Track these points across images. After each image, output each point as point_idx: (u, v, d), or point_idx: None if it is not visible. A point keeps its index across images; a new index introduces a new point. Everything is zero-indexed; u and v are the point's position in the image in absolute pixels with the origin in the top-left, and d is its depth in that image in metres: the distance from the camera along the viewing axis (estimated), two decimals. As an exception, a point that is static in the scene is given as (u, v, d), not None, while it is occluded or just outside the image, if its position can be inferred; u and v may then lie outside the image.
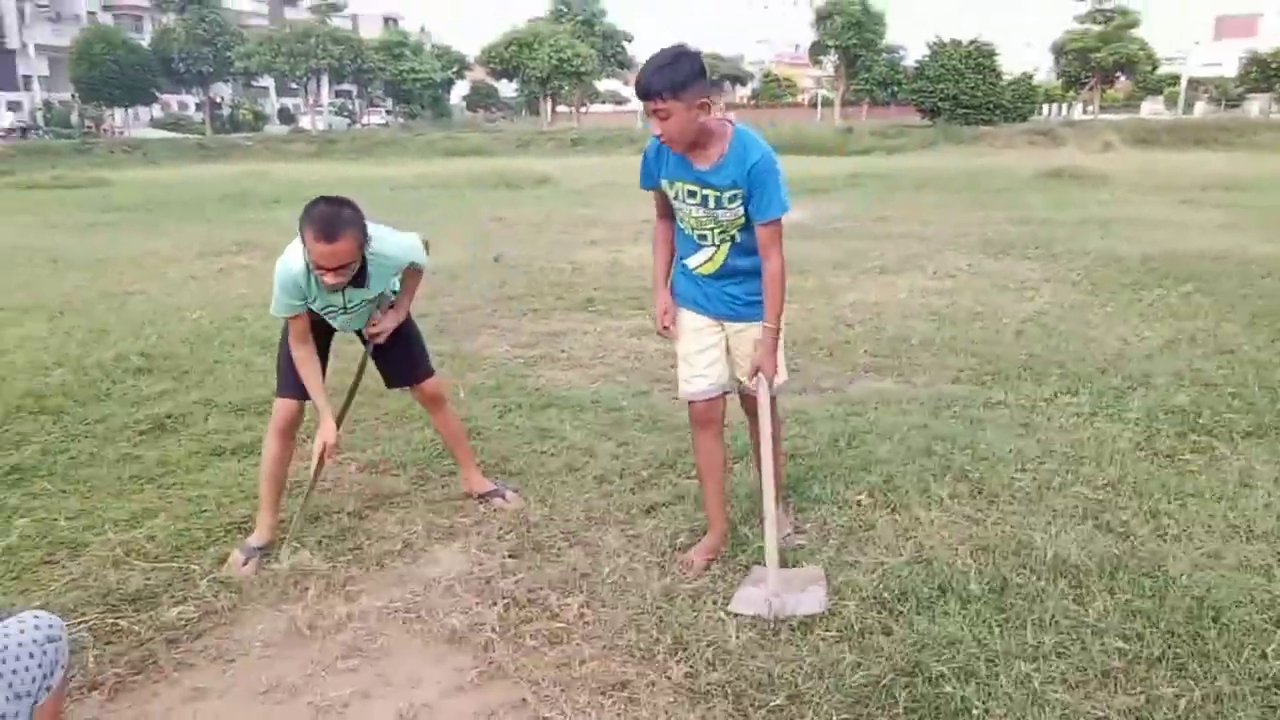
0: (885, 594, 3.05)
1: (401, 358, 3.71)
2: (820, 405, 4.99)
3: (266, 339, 6.49)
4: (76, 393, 5.37)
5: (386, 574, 3.34)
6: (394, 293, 3.63)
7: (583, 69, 48.11)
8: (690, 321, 3.27)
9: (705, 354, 3.25)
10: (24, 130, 40.15)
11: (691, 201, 3.06)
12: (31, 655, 2.08)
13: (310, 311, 3.39)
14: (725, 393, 3.32)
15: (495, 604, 3.09)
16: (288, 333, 3.45)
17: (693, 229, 3.14)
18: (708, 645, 2.80)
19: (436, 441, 4.40)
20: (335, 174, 21.90)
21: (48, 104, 45.49)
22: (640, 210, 13.89)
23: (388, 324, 3.56)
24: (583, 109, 55.08)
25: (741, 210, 3.03)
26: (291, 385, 3.45)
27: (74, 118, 43.13)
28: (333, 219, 3.03)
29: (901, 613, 2.94)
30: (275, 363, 3.60)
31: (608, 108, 64.80)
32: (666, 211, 3.26)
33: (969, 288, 8.11)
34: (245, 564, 3.35)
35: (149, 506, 3.87)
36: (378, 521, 3.73)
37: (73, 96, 44.01)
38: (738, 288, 3.17)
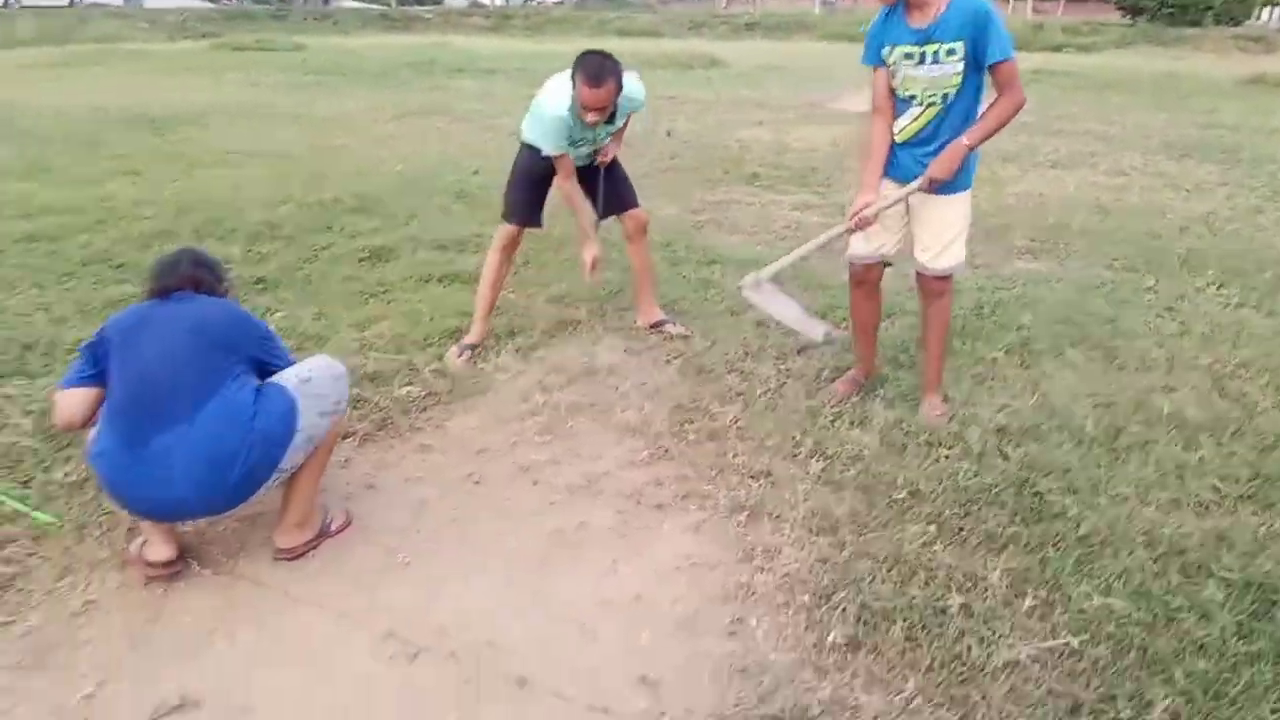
0: (1007, 427, 3.44)
1: (615, 191, 4.29)
2: (970, 280, 5.28)
3: (461, 190, 7.18)
4: (304, 224, 6.18)
5: (573, 379, 3.93)
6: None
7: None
8: (881, 188, 3.40)
9: (884, 219, 3.44)
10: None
11: (908, 63, 3.18)
12: (332, 384, 2.75)
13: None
14: (885, 263, 3.59)
15: (664, 406, 3.65)
16: (521, 166, 4.09)
17: (904, 90, 3.27)
18: (844, 451, 3.29)
19: (611, 283, 4.97)
20: (510, 48, 22.45)
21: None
22: (807, 93, 13.93)
23: (612, 150, 4.20)
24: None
25: (959, 69, 3.11)
26: (516, 213, 4.12)
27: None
28: (600, 68, 3.66)
29: (1019, 442, 3.34)
30: (503, 195, 4.22)
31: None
32: (885, 104, 3.32)
33: (1140, 186, 8.03)
34: (459, 358, 4.05)
35: (375, 315, 4.59)
36: (563, 340, 4.34)
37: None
38: (933, 156, 3.23)
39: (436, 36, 27.23)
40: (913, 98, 3.25)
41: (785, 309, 3.65)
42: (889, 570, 2.65)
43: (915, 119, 3.28)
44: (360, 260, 5.53)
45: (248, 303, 4.71)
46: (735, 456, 3.30)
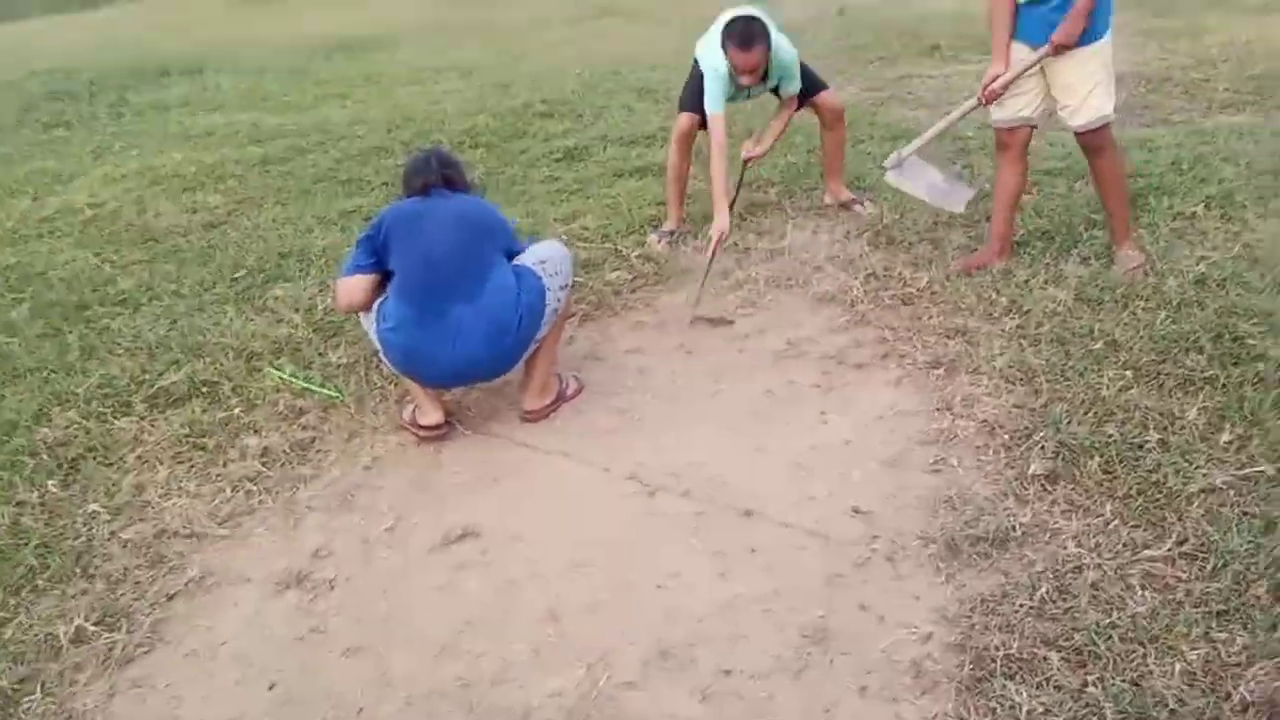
0: (1206, 277, 3.45)
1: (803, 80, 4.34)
2: (1169, 135, 5.12)
3: (642, 87, 7.40)
4: (499, 131, 6.58)
5: (770, 257, 4.17)
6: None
7: None
8: (1014, 53, 3.49)
9: (1018, 84, 3.50)
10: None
11: None
12: (563, 262, 3.12)
13: None
14: (1031, 126, 3.63)
15: (858, 276, 3.85)
16: (694, 76, 4.21)
17: None
18: (1039, 307, 3.40)
19: (796, 165, 5.14)
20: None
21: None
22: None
23: (758, 151, 4.31)
24: None
25: None
26: (692, 103, 4.27)
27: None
28: (749, 34, 3.87)
29: (1219, 291, 3.36)
30: (680, 94, 4.41)
31: None
32: None
33: (1368, 23, 7.38)
34: (660, 243, 4.37)
35: (577, 209, 4.93)
36: (756, 219, 4.56)
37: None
38: (1059, 13, 3.30)
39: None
40: None
41: (931, 182, 3.86)
42: (1085, 413, 2.80)
43: None
44: (556, 160, 5.87)
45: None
46: (931, 318, 3.48)
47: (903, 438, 2.86)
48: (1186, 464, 2.54)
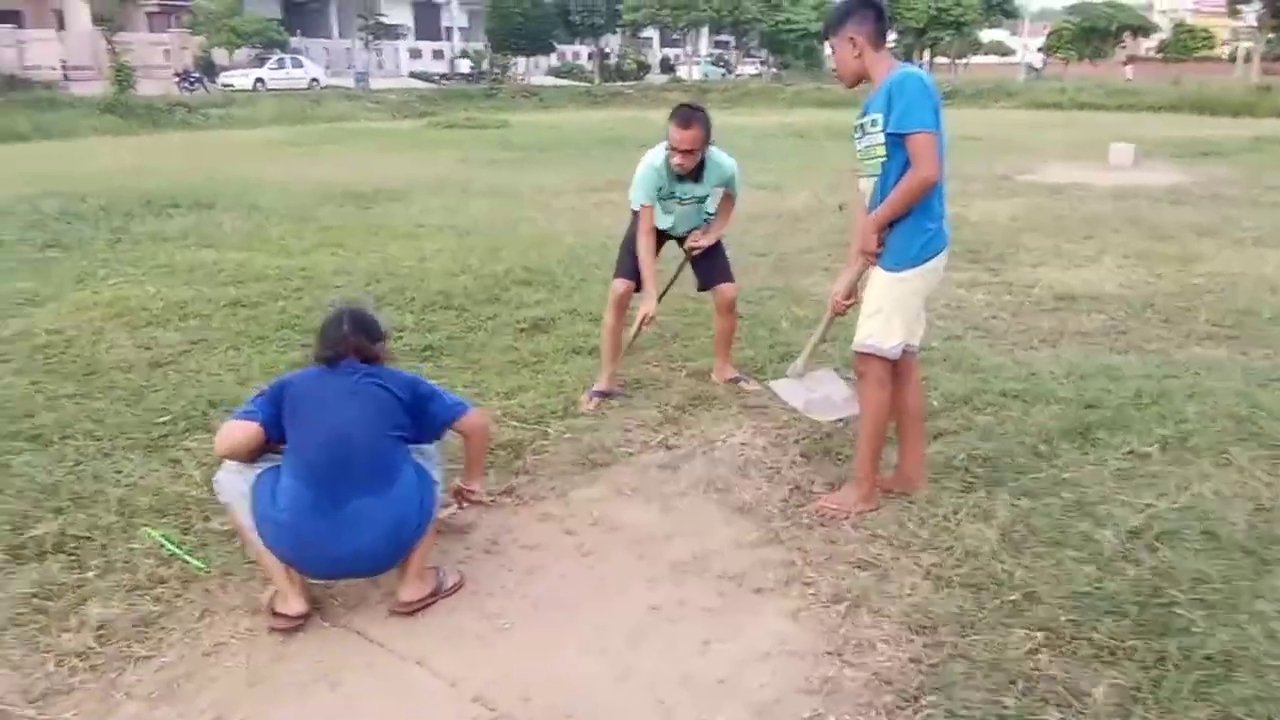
0: (1144, 530, 3.23)
1: (712, 268, 4.65)
2: (1137, 365, 4.99)
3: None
4: (475, 295, 6.57)
5: (698, 455, 4.00)
6: (709, 215, 4.58)
7: (963, 19, 46.00)
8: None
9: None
10: (459, 76, 45.48)
11: (856, 136, 3.35)
12: (437, 450, 2.98)
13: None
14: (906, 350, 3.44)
15: (780, 487, 3.66)
16: (633, 228, 4.44)
17: (857, 161, 3.39)
18: (960, 546, 3.18)
19: (754, 360, 5.04)
20: (704, 122, 23.09)
21: (464, 53, 51.00)
22: (997, 167, 13.56)
23: (704, 241, 4.55)
24: (961, 60, 52.82)
25: (880, 139, 3.18)
26: (627, 270, 4.48)
27: (485, 65, 48.09)
28: (689, 115, 4.18)
29: (1155, 547, 3.13)
30: (616, 255, 4.57)
31: (991, 59, 61.51)
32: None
33: (1357, 268, 7.34)
34: (590, 403, 4.43)
35: (522, 384, 4.82)
36: (696, 414, 4.42)
37: (485, 46, 49.03)
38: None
39: (635, 111, 28.31)
40: (864, 170, 3.35)
41: (824, 395, 3.91)
42: (985, 676, 2.54)
43: (867, 192, 3.37)
44: (520, 330, 5.82)
45: (411, 369, 5.03)
46: (846, 544, 3.26)
47: (784, 681, 2.60)
48: (1080, 753, 2.27)
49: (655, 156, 4.32)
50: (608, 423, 4.32)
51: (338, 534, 2.75)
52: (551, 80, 42.85)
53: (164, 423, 4.33)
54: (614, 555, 3.28)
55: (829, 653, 2.71)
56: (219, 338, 5.63)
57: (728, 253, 4.78)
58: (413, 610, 2.94)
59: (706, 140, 4.22)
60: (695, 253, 4.59)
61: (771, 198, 10.78)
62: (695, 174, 4.34)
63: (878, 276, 3.34)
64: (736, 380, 4.77)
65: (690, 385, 4.81)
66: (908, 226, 3.24)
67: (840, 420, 3.97)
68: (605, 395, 4.53)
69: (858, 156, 3.37)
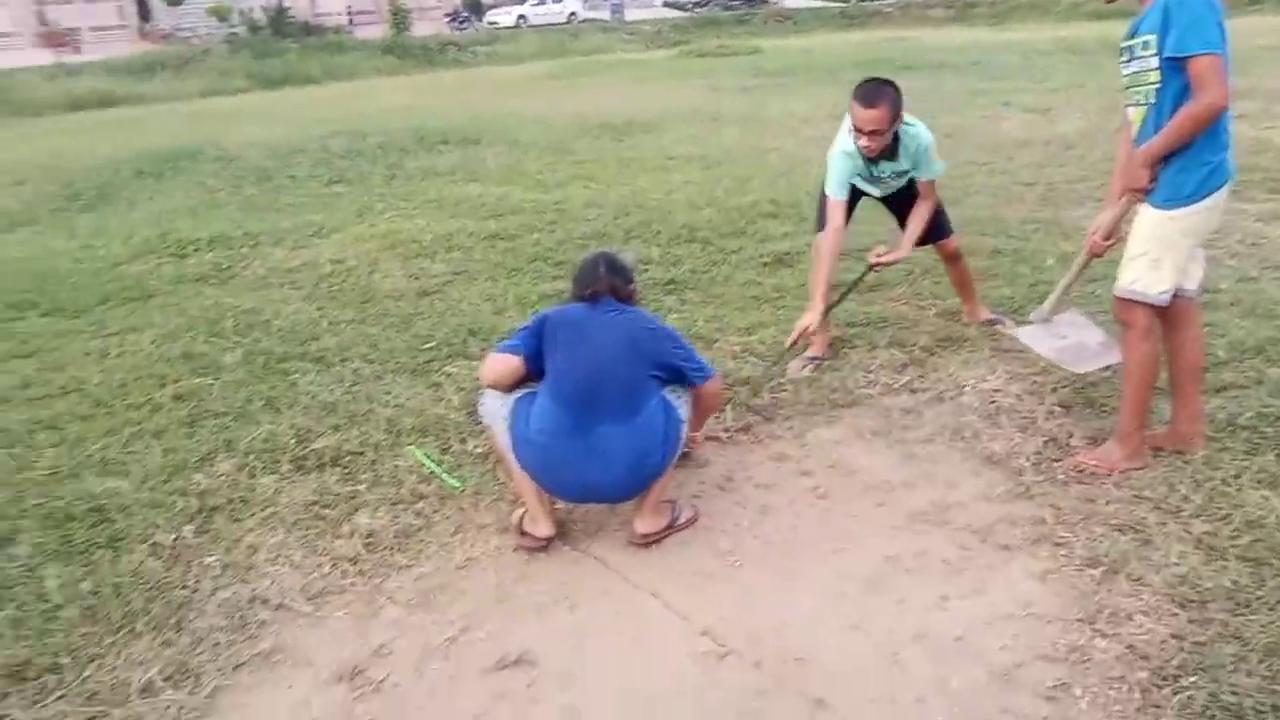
0: None
1: (930, 225, 4.23)
2: None
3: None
4: (719, 228, 6.55)
5: (945, 399, 3.82)
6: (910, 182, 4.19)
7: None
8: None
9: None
10: (712, 3, 45.09)
11: (1123, 60, 3.02)
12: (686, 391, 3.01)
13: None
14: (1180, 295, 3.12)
15: (1034, 439, 3.42)
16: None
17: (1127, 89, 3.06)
18: (1239, 515, 2.86)
19: (1011, 299, 4.72)
20: (968, 40, 21.64)
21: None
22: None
23: (888, 258, 4.17)
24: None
25: (1153, 64, 2.85)
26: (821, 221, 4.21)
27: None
28: (873, 91, 3.76)
29: None
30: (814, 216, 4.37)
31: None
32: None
33: None
34: (802, 369, 4.18)
35: (762, 320, 4.77)
36: (944, 357, 4.21)
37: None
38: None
39: (894, 31, 26.99)
40: (1132, 95, 3.02)
41: (1079, 341, 3.59)
42: (1260, 661, 2.29)
43: (1133, 120, 3.04)
44: (764, 265, 5.75)
45: (655, 302, 5.14)
46: (1106, 504, 3.01)
47: (1026, 647, 2.46)
48: (1377, 760, 2.00)
49: (845, 141, 3.93)
50: (849, 362, 4.20)
51: (586, 458, 2.85)
52: (806, 2, 41.52)
53: (429, 349, 4.64)
54: (850, 500, 3.21)
55: (1079, 619, 2.53)
56: (479, 269, 5.95)
57: (944, 207, 4.36)
58: (649, 542, 3.02)
59: (895, 118, 3.77)
60: (878, 270, 4.28)
61: (1039, 122, 9.99)
62: (889, 152, 3.93)
63: (1146, 214, 3.02)
64: (992, 322, 4.49)
65: (939, 325, 4.58)
66: (1186, 159, 2.89)
67: (1105, 369, 3.65)
68: (819, 359, 4.25)
69: (1125, 83, 3.05)
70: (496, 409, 3.05)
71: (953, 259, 4.46)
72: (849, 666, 2.44)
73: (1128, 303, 3.07)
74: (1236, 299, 4.61)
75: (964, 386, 3.90)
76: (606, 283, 3.02)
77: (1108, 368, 3.62)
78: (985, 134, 9.38)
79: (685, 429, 3.07)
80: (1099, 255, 3.31)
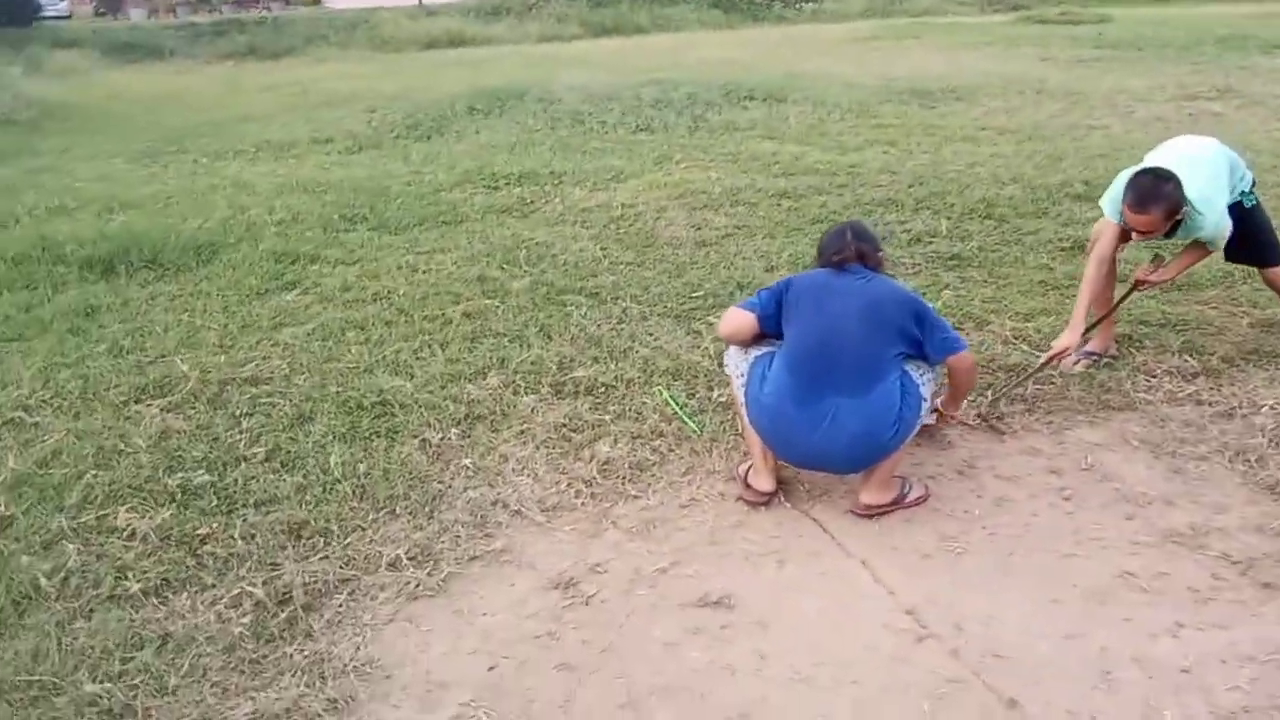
0: None
1: (1250, 249, 3.85)
2: None
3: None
4: (1020, 206, 6.18)
5: (1232, 417, 3.45)
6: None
7: None
8: None
9: None
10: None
11: None
12: (935, 378, 2.95)
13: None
14: None
15: (1334, 474, 3.03)
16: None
17: None
18: None
19: None
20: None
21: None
22: None
23: (1154, 278, 3.77)
24: None
25: None
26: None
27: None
28: (1149, 193, 3.42)
29: None
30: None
31: None
32: None
33: None
34: (1076, 364, 3.87)
35: (1046, 308, 4.49)
36: (1244, 371, 3.78)
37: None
38: None
39: (1266, 4, 23.76)
40: None
41: None
42: None
43: None
44: (1062, 249, 5.39)
45: (933, 277, 4.99)
46: None
47: (1264, 694, 2.23)
48: None
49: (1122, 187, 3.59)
50: (1131, 363, 3.89)
51: (812, 427, 2.86)
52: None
53: (696, 297, 4.79)
54: (1098, 507, 3.01)
55: (1339, 676, 2.25)
56: (759, 225, 6.01)
57: (1270, 223, 3.91)
58: (872, 515, 3.00)
59: (1171, 216, 3.44)
60: (1143, 289, 3.88)
61: None
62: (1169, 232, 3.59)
63: None
64: None
65: (1249, 335, 4.12)
66: None
67: None
68: (1097, 356, 3.95)
69: None
70: (737, 363, 3.13)
71: (1272, 283, 3.99)
72: (1052, 674, 2.33)
73: None
74: None
75: (1261, 405, 3.50)
76: (854, 249, 2.99)
77: None
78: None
79: (926, 408, 3.00)
80: None
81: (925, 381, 2.97)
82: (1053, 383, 3.77)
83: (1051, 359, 3.64)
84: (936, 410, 3.26)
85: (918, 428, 2.99)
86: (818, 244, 3.22)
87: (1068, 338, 3.61)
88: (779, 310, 3.03)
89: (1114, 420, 3.50)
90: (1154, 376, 3.79)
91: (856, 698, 2.29)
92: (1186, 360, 3.87)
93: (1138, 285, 3.85)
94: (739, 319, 3.10)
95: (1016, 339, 4.15)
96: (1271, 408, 3.47)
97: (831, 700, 2.28)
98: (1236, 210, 3.66)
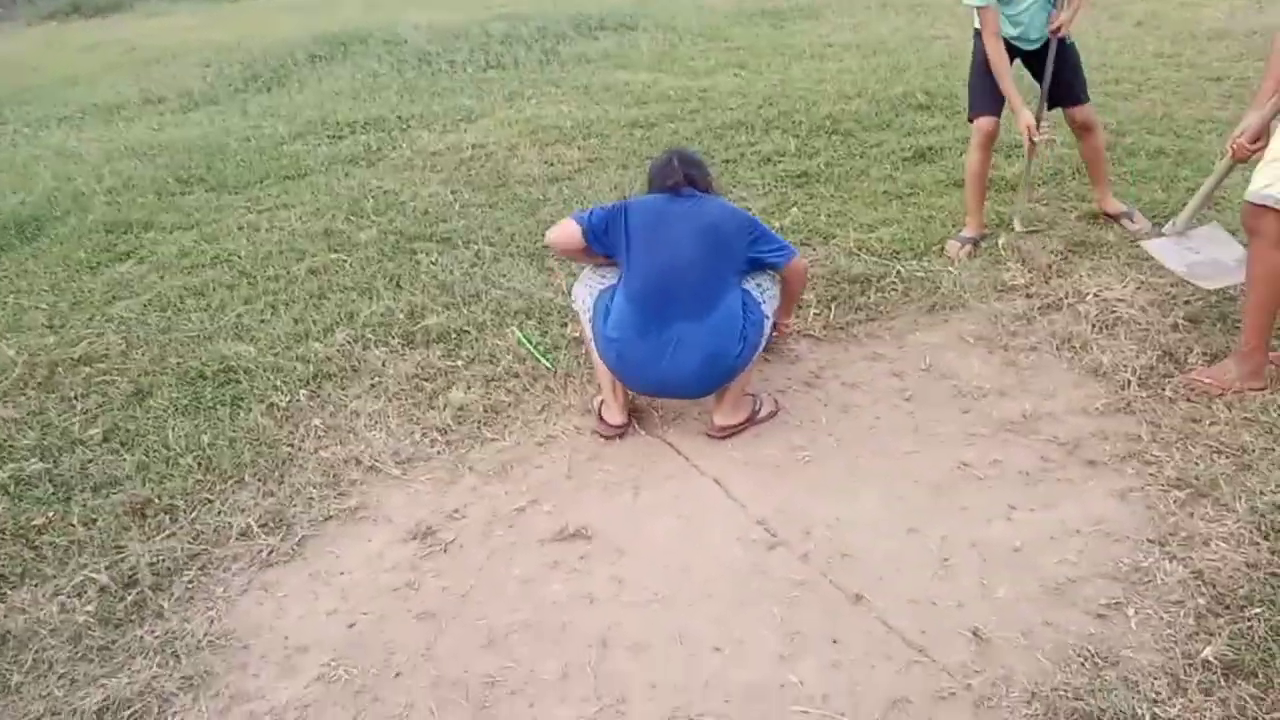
0: None
1: (1066, 83, 4.09)
2: None
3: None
4: (865, 120, 6.29)
5: (1061, 307, 3.62)
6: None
7: None
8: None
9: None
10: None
11: None
12: (774, 286, 3.01)
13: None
14: None
15: (1148, 351, 3.22)
16: (975, 62, 4.08)
17: None
18: (1364, 444, 2.63)
19: (1164, 204, 4.38)
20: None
21: None
22: None
23: (1064, 17, 3.93)
24: None
25: None
26: (987, 104, 4.06)
27: None
28: None
29: None
30: (966, 89, 4.21)
31: None
32: None
33: None
34: (961, 250, 4.13)
35: (887, 217, 4.61)
36: (1076, 262, 3.97)
37: None
38: None
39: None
40: None
41: (1211, 258, 3.41)
42: (1339, 599, 2.13)
43: None
44: (904, 159, 5.52)
45: (783, 196, 5.05)
46: (1210, 424, 2.82)
47: (1088, 563, 2.37)
48: None
49: None
50: (968, 264, 4.03)
51: (659, 356, 2.87)
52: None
53: (549, 234, 4.73)
54: (937, 404, 3.13)
55: (1150, 540, 2.42)
56: (612, 157, 5.97)
57: (1083, 69, 4.18)
58: (726, 435, 3.05)
59: None
60: (1060, 34, 3.95)
61: (1246, 10, 8.97)
62: None
63: None
64: (1119, 216, 4.29)
65: (1077, 229, 4.30)
66: None
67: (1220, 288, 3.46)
68: (974, 242, 4.21)
69: None
70: (584, 298, 3.11)
71: (1085, 131, 4.20)
72: (895, 567, 2.43)
73: (1259, 209, 2.80)
74: None
75: (1086, 294, 3.68)
76: (683, 173, 2.99)
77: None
78: (1179, 23, 8.51)
79: (769, 325, 3.04)
80: (1243, 160, 3.05)
81: (767, 299, 3.01)
82: (895, 289, 3.88)
83: (1033, 151, 4.08)
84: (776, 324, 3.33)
85: (763, 345, 3.04)
86: (647, 173, 3.20)
87: (1021, 119, 3.92)
88: (608, 232, 2.99)
89: (951, 321, 3.63)
90: (986, 272, 3.94)
91: (712, 612, 2.34)
92: (1020, 256, 4.03)
93: (1054, 34, 3.97)
94: (567, 230, 3.03)
95: (860, 250, 4.24)
96: (1095, 295, 3.65)
97: (688, 617, 2.33)
98: (1059, 45, 3.97)
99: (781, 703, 2.06)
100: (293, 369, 3.59)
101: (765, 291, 3.02)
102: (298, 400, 3.40)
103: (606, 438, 3.08)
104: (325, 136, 6.99)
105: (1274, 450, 2.67)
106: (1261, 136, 2.93)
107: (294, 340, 3.80)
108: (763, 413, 3.12)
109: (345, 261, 4.56)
